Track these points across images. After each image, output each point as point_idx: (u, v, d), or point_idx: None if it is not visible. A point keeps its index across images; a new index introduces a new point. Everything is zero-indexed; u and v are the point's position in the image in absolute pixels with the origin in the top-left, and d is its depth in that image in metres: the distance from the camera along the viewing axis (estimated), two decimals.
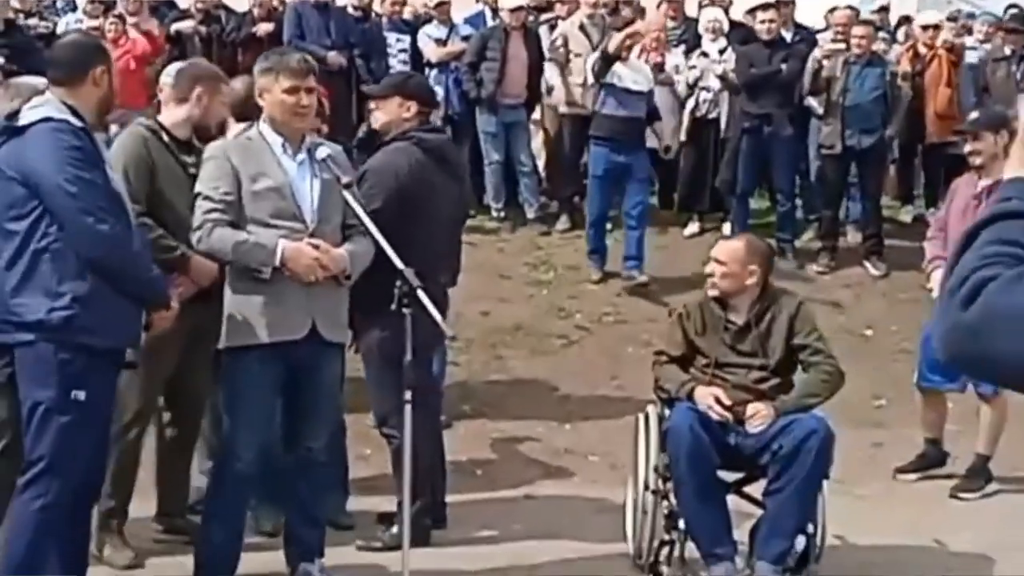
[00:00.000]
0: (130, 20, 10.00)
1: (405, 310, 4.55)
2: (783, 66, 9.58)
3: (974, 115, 6.56)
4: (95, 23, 9.79)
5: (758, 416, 5.03)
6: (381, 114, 5.54)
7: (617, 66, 8.96)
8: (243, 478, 4.74)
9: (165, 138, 5.08)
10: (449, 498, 5.78)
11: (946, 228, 6.42)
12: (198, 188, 4.72)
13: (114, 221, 4.10)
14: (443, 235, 5.51)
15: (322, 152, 4.78)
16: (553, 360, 8.16)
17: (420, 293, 4.50)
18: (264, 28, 10.09)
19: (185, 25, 10.45)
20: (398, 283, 4.58)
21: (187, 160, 5.09)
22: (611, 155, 9.01)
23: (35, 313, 4.04)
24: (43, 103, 4.14)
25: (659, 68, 9.95)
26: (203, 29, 10.46)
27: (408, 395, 4.57)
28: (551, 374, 7.96)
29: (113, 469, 4.91)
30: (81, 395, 4.05)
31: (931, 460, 6.53)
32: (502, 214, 10.27)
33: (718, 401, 5.03)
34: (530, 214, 10.24)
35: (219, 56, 9.74)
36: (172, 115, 5.20)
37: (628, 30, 9.16)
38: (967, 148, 6.33)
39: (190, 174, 5.02)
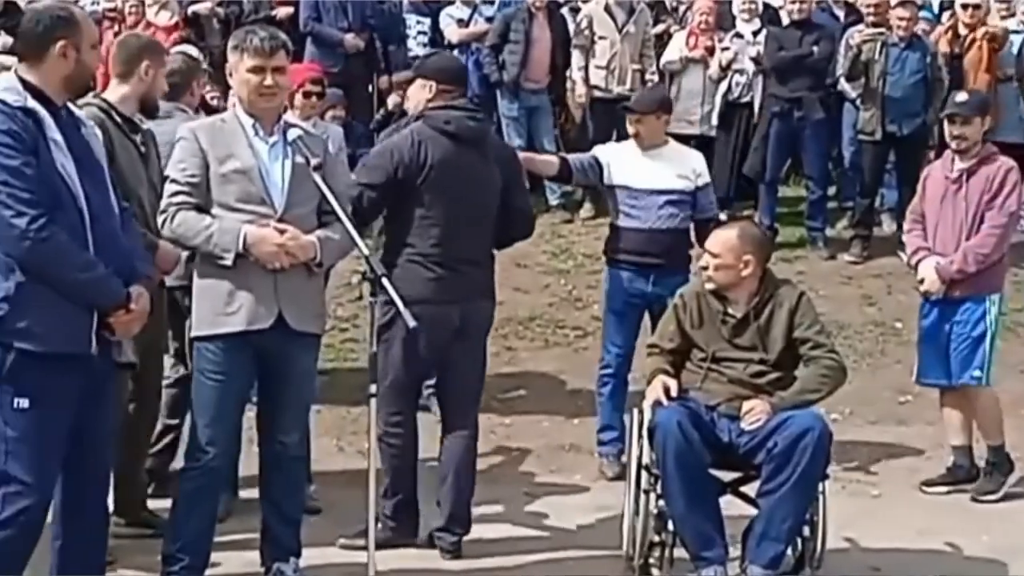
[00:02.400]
0: (149, 2, 9.87)
1: (371, 298, 4.40)
2: (814, 48, 9.29)
3: (962, 97, 6.24)
4: (112, 4, 9.69)
5: (753, 412, 4.79)
6: (409, 99, 5.36)
7: (636, 152, 6.28)
8: (212, 469, 4.59)
9: (117, 117, 4.87)
10: None
11: (924, 218, 6.15)
12: (167, 171, 4.58)
13: (38, 215, 3.72)
14: (460, 215, 5.07)
15: (292, 133, 4.63)
16: (566, 352, 7.95)
17: (384, 281, 4.31)
18: (284, 11, 9.93)
19: (203, 7, 10.30)
20: (364, 271, 4.42)
21: (136, 139, 4.93)
22: (634, 282, 6.21)
23: None
24: None
25: (709, 52, 9.73)
26: (221, 11, 10.32)
27: (372, 388, 4.41)
28: (563, 367, 7.75)
29: None
30: (24, 403, 3.77)
31: (961, 475, 6.17)
32: None
33: (667, 392, 4.82)
34: (552, 200, 10.01)
35: None
36: (118, 91, 4.98)
37: None
38: (954, 132, 6.03)
39: (142, 154, 4.90)
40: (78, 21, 3.94)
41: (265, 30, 4.68)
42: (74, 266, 3.84)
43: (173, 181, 4.51)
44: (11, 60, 4.35)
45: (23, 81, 3.86)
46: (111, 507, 5.12)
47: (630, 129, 6.29)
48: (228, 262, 4.43)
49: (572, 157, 6.47)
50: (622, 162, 6.26)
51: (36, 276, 3.77)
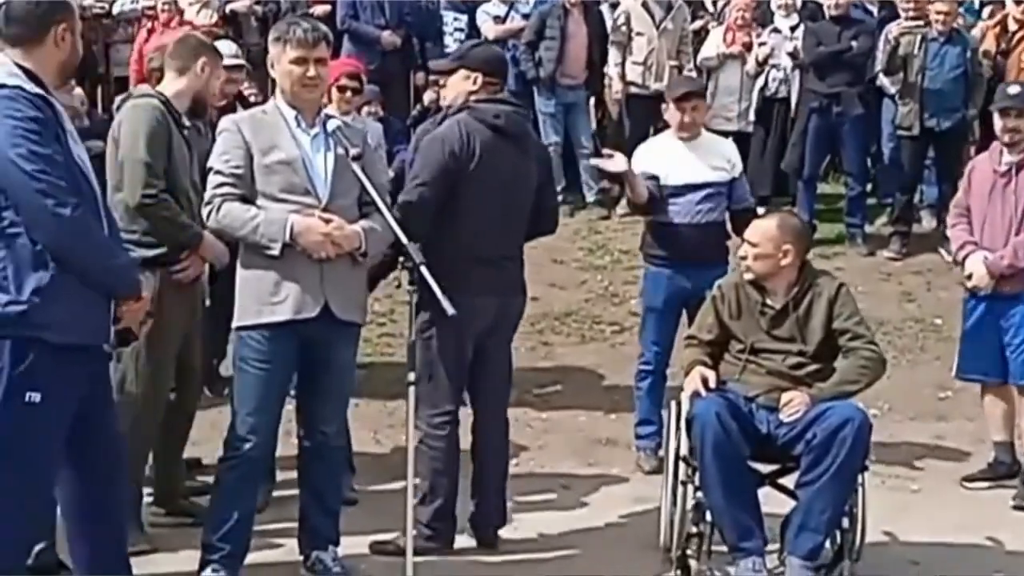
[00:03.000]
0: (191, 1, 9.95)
1: (409, 286, 4.40)
2: (853, 43, 9.25)
3: (1015, 89, 6.13)
4: (152, 3, 9.76)
5: (792, 404, 4.76)
6: (448, 89, 5.23)
7: (673, 146, 6.18)
8: (252, 459, 4.61)
9: (173, 112, 4.96)
10: None
11: (969, 211, 6.07)
12: (210, 163, 4.60)
13: (76, 203, 3.64)
14: (500, 209, 5.02)
15: (332, 124, 4.62)
16: (603, 348, 7.95)
17: (423, 270, 4.31)
18: (321, 9, 9.96)
19: (241, 5, 10.37)
20: (401, 259, 4.43)
21: (184, 134, 5.02)
22: (675, 279, 6.11)
23: None
24: None
25: (747, 48, 9.72)
26: (259, 9, 10.39)
27: (411, 376, 4.40)
28: (599, 362, 7.74)
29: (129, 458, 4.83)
30: (36, 397, 3.67)
31: (1002, 471, 6.10)
32: (560, 197, 10.00)
33: (705, 383, 4.79)
34: (589, 197, 10.04)
35: None
36: (173, 86, 5.07)
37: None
38: (1008, 125, 5.92)
39: (189, 148, 4.98)
40: (72, 6, 3.86)
41: (307, 22, 4.70)
42: (106, 255, 3.82)
43: (217, 172, 4.53)
44: None
45: (20, 68, 3.71)
46: (151, 498, 5.21)
47: (684, 118, 6.11)
48: (275, 252, 4.45)
49: (650, 189, 6.11)
50: (659, 158, 6.15)
51: (70, 265, 3.69)
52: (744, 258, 4.99)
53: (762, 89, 9.84)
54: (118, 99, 5.28)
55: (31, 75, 3.71)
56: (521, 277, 5.25)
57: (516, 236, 5.19)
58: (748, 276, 4.98)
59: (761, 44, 9.73)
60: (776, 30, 9.84)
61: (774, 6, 10.05)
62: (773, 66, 9.78)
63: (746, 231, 5.08)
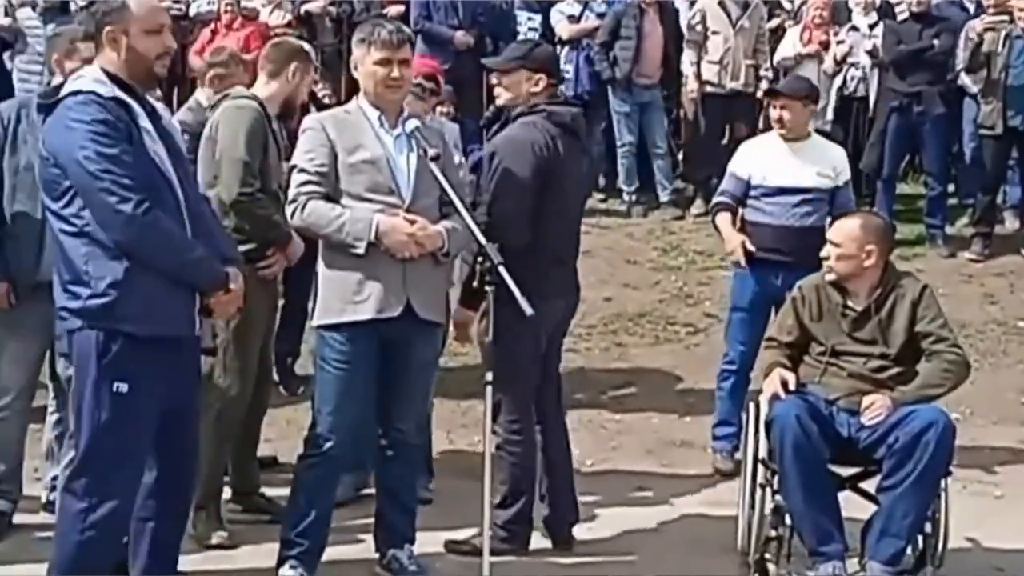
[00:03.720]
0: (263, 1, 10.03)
1: (488, 288, 4.38)
2: (935, 42, 9.11)
3: None
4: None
5: (874, 407, 4.70)
6: (509, 89, 5.13)
7: (776, 145, 6.09)
8: (333, 458, 4.62)
9: (266, 113, 5.03)
10: None
11: None
12: (294, 160, 4.63)
13: (140, 200, 3.71)
14: (573, 212, 5.13)
15: (410, 124, 4.62)
16: (677, 349, 7.88)
17: (501, 270, 4.29)
18: (395, 10, 9.99)
19: (315, 6, 10.44)
20: (479, 259, 4.42)
21: (276, 136, 5.09)
22: (765, 280, 5.96)
23: (77, 300, 3.77)
24: (84, 74, 3.87)
25: (824, 47, 9.62)
26: (333, 10, 10.45)
27: (489, 376, 4.38)
28: (674, 364, 7.67)
29: (209, 450, 4.89)
30: (123, 387, 3.77)
31: None
32: (634, 197, 10.04)
33: (785, 385, 4.72)
34: (663, 197, 9.99)
35: (349, 37, 9.68)
36: (266, 90, 5.14)
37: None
38: None
39: (279, 149, 5.06)
40: (129, 7, 3.87)
41: (392, 23, 4.73)
42: (179, 248, 3.86)
43: (302, 171, 4.54)
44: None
45: (106, 72, 3.85)
46: (228, 494, 5.26)
47: (773, 114, 6.08)
48: (361, 251, 4.45)
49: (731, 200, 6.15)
50: (763, 156, 6.07)
51: (142, 260, 3.77)
52: (827, 258, 4.92)
53: (840, 88, 9.74)
54: (213, 97, 5.39)
55: (114, 77, 3.83)
56: (577, 275, 5.26)
57: (578, 235, 5.25)
58: (830, 277, 4.92)
59: (839, 43, 9.62)
60: (854, 28, 9.75)
61: (852, 4, 9.96)
62: (851, 65, 9.69)
63: (829, 231, 5.00)
